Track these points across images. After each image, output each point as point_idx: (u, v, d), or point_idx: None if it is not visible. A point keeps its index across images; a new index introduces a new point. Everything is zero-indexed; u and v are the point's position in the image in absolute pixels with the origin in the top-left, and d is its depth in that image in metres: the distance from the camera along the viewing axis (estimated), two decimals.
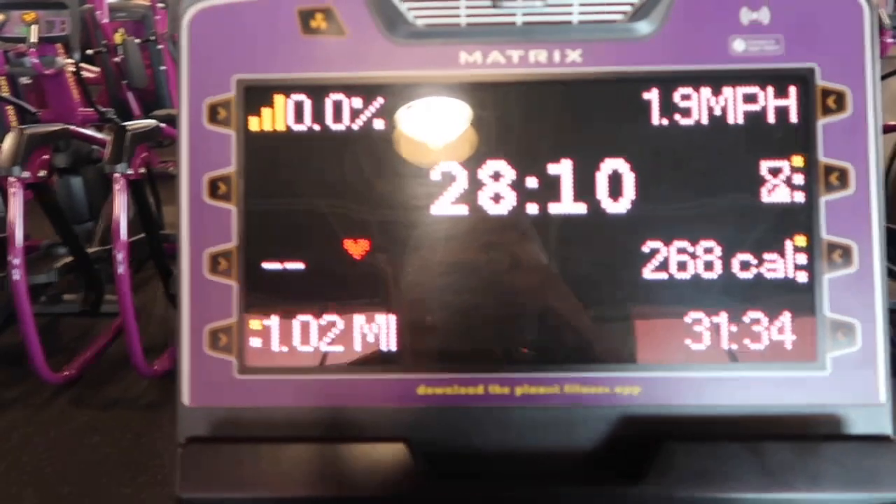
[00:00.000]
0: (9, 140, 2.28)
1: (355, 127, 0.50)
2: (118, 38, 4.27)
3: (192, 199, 0.49)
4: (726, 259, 0.51)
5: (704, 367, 0.49)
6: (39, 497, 1.91)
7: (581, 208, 0.50)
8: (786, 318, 0.50)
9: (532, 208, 0.50)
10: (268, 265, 0.50)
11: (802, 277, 0.50)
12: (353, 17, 0.49)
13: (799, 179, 0.50)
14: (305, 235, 0.50)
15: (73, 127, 2.70)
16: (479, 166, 0.50)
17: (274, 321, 0.50)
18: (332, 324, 0.50)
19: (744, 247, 0.50)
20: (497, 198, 0.50)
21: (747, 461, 0.46)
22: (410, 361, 0.49)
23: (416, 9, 0.49)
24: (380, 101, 0.50)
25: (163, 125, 2.76)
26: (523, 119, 0.50)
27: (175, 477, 0.47)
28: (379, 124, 0.50)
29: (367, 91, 0.49)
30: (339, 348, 0.50)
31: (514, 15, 0.50)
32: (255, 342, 0.49)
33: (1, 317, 2.50)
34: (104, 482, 1.95)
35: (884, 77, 3.16)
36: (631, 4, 0.50)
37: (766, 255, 0.50)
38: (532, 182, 0.50)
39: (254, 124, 0.49)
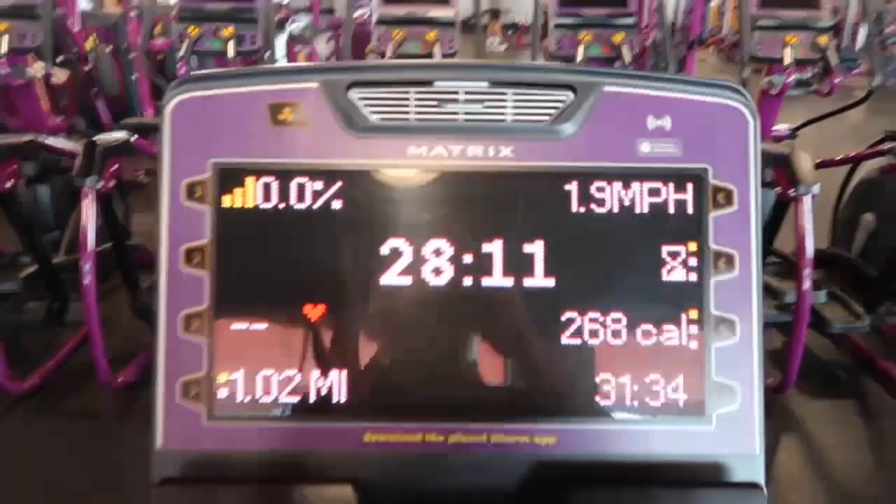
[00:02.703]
0: None
1: (316, 206, 0.57)
2: (89, 44, 4.25)
3: (170, 267, 0.56)
4: (631, 328, 0.59)
5: (610, 420, 0.57)
6: None
7: (509, 282, 0.58)
8: (680, 380, 0.58)
9: (467, 280, 0.58)
10: (235, 325, 0.56)
11: (694, 345, 0.59)
12: (316, 113, 0.57)
13: (693, 262, 0.58)
14: (269, 300, 0.57)
15: (41, 138, 2.68)
16: (423, 244, 0.58)
17: (239, 374, 0.56)
18: (291, 378, 0.57)
19: (646, 318, 0.59)
20: (437, 271, 0.58)
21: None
22: (358, 412, 0.56)
23: (371, 106, 0.57)
24: (338, 184, 0.57)
25: (133, 137, 2.76)
26: (462, 204, 0.58)
27: None
28: (337, 204, 0.57)
29: (327, 176, 0.57)
30: (296, 399, 0.57)
31: (456, 114, 0.58)
32: (222, 393, 0.56)
33: None
34: (67, 498, 1.96)
35: (839, 111, 3.28)
36: (556, 108, 0.58)
37: (665, 326, 0.59)
38: (468, 258, 0.58)
39: (226, 202, 0.56)
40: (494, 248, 0.58)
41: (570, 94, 0.58)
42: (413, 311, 0.58)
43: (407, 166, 0.57)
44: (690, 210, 0.59)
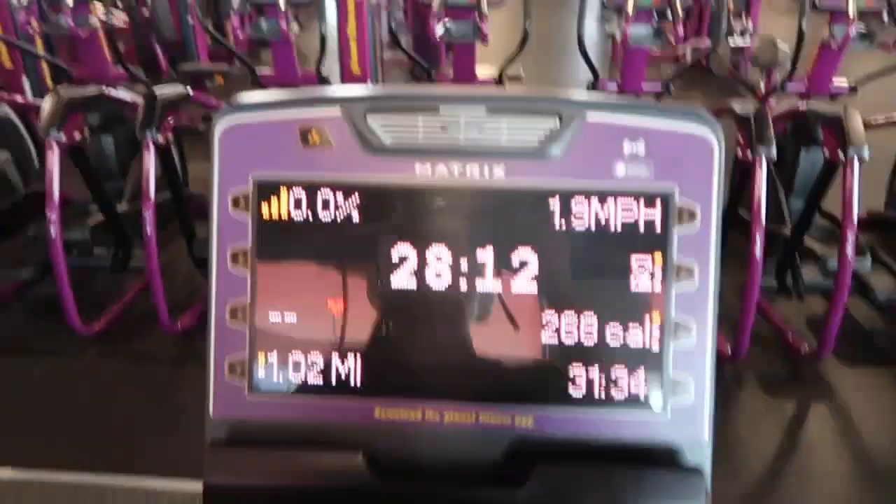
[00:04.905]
0: (48, 103, 2.37)
1: (338, 216, 0.64)
2: None
3: (219, 266, 0.65)
4: (601, 328, 0.65)
5: (580, 408, 0.65)
6: (73, 444, 2.06)
7: (498, 285, 0.65)
8: (641, 375, 0.65)
9: (463, 283, 0.65)
10: (271, 316, 0.65)
11: (655, 346, 0.65)
12: (338, 135, 0.64)
13: (658, 272, 0.65)
14: (299, 295, 0.65)
15: (106, 90, 2.76)
16: (427, 250, 0.65)
17: (274, 357, 0.66)
18: (315, 361, 0.66)
19: (615, 321, 0.65)
20: (438, 274, 0.65)
21: (594, 480, 0.63)
22: (370, 391, 0.66)
23: (386, 130, 0.64)
24: (356, 197, 0.64)
25: (191, 92, 2.84)
26: (460, 216, 0.65)
27: (204, 470, 0.64)
28: (355, 214, 0.65)
29: (347, 190, 0.64)
30: (319, 380, 0.66)
31: (458, 137, 0.64)
32: (259, 372, 0.66)
33: (37, 269, 2.63)
34: (134, 432, 2.11)
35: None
36: (545, 133, 0.64)
37: (631, 327, 0.65)
38: (464, 263, 0.65)
39: (264, 211, 0.64)
40: (486, 255, 0.65)
41: (557, 121, 0.64)
42: (417, 308, 0.66)
43: (415, 183, 0.65)
44: (658, 226, 0.64)
